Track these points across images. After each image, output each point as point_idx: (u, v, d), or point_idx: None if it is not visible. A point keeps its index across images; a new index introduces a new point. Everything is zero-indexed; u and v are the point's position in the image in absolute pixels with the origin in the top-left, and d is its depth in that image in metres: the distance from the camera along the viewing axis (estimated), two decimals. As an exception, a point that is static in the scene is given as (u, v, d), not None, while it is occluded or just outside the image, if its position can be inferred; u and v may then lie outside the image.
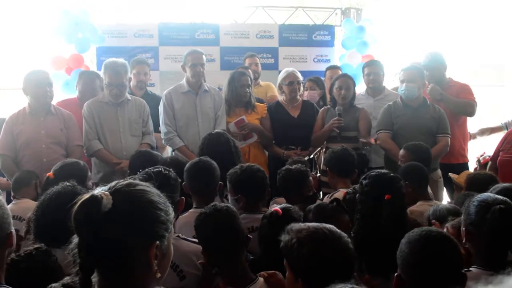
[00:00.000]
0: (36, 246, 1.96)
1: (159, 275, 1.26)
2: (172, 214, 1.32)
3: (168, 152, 4.99)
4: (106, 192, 1.21)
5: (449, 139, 4.33)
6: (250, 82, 4.63)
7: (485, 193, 2.14)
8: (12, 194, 3.63)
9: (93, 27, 6.36)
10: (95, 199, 1.19)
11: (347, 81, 4.55)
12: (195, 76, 4.43)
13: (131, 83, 5.17)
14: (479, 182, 3.23)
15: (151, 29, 6.73)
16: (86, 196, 1.21)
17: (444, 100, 4.68)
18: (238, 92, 4.57)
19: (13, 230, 1.68)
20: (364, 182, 2.58)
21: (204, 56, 4.49)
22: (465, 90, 4.88)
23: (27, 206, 2.99)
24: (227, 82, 4.69)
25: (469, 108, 4.74)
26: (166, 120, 4.41)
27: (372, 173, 2.61)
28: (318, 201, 3.44)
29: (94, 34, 6.36)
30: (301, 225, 1.80)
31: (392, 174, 2.64)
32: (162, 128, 4.44)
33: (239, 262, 2.16)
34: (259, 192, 2.97)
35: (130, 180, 1.30)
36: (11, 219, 1.70)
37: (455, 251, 1.81)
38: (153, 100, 4.94)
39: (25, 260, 1.90)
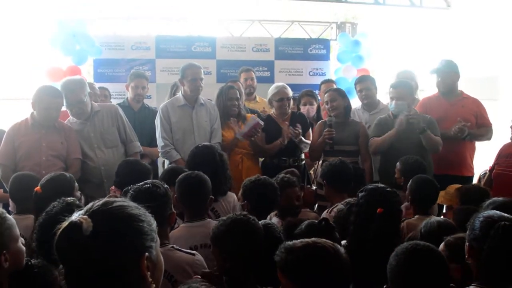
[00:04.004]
0: (34, 261, 1.96)
1: (153, 286, 1.26)
2: (154, 223, 1.30)
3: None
4: (84, 216, 1.19)
5: (440, 140, 4.34)
6: (238, 95, 4.69)
7: (493, 210, 2.08)
8: (10, 205, 3.62)
9: (90, 39, 6.39)
10: (74, 225, 1.17)
11: (332, 94, 4.62)
12: (195, 90, 4.48)
13: (129, 96, 5.21)
14: (471, 195, 3.25)
15: (148, 42, 6.77)
16: (65, 224, 1.18)
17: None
18: (226, 105, 4.64)
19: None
20: (360, 194, 2.64)
21: (202, 71, 4.54)
22: (483, 114, 4.82)
23: (28, 223, 2.92)
24: (216, 97, 4.76)
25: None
26: (163, 133, 4.44)
27: (368, 187, 2.68)
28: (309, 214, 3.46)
29: (92, 46, 6.40)
30: (303, 241, 1.74)
31: (388, 189, 2.67)
32: (159, 141, 4.47)
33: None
34: (264, 202, 3.03)
35: (106, 199, 1.29)
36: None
37: (441, 264, 1.84)
38: (149, 114, 4.99)
39: (24, 275, 1.91)
